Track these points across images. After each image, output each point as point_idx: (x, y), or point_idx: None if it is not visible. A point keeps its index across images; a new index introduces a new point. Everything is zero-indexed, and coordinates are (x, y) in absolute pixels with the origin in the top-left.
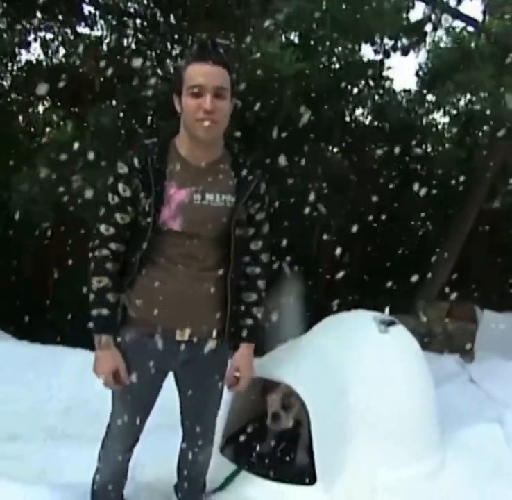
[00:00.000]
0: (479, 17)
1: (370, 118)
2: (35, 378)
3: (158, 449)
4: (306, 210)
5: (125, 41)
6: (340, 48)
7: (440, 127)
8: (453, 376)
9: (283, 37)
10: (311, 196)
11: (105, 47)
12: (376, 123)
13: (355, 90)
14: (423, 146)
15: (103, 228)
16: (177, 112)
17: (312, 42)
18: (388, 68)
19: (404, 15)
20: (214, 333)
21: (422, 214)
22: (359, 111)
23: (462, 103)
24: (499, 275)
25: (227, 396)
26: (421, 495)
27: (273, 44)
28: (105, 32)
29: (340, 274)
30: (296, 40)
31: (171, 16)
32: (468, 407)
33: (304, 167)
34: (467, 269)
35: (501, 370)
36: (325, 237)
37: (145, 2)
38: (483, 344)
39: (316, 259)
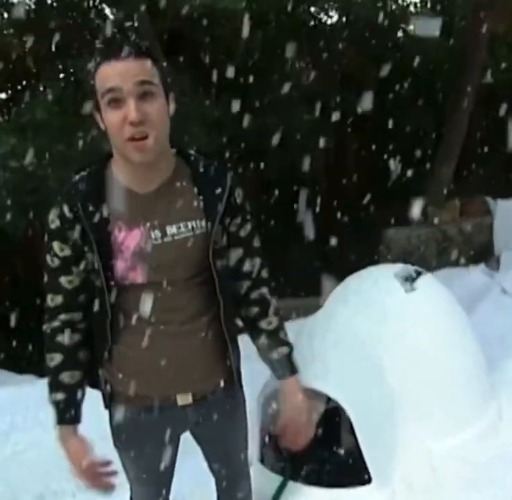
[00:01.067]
0: None
1: (335, 16)
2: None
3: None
4: (288, 138)
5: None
6: None
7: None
8: (484, 291)
9: None
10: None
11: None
12: (343, 19)
13: None
14: (400, 38)
15: (48, 298)
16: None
17: None
18: None
19: None
20: (222, 383)
21: (415, 112)
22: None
23: None
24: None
25: (251, 403)
26: (485, 455)
27: None
28: None
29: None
30: None
31: None
32: (508, 326)
33: (274, 92)
34: (473, 159)
35: None
36: (312, 161)
37: None
38: (502, 237)
39: (313, 183)
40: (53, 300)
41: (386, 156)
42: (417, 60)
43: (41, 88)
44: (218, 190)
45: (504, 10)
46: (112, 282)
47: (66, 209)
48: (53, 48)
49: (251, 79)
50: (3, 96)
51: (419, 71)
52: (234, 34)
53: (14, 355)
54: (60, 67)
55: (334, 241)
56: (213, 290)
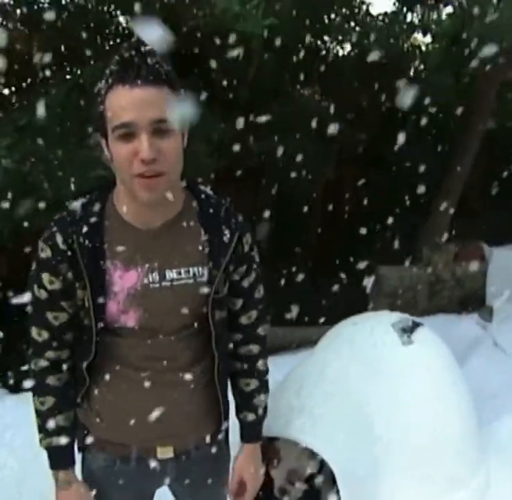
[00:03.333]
0: None
1: (348, 50)
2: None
3: None
4: (290, 165)
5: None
6: None
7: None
8: (476, 342)
9: None
10: (293, 150)
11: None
12: (355, 52)
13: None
14: (409, 74)
15: (34, 332)
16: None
17: None
18: None
19: None
20: (208, 439)
21: (417, 153)
22: (334, 45)
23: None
24: (505, 208)
25: None
26: None
27: (228, 2)
28: None
29: (335, 227)
30: None
31: None
32: (502, 386)
33: (281, 117)
34: (471, 205)
35: None
36: (312, 191)
37: None
38: (496, 284)
39: (307, 214)
40: (41, 335)
41: (386, 193)
42: (426, 100)
43: (45, 91)
44: (226, 236)
45: None
46: (102, 324)
47: (59, 239)
48: (63, 50)
49: (258, 103)
50: (6, 92)
51: (427, 110)
52: (245, 57)
53: None
54: (68, 69)
55: (326, 273)
56: (208, 342)
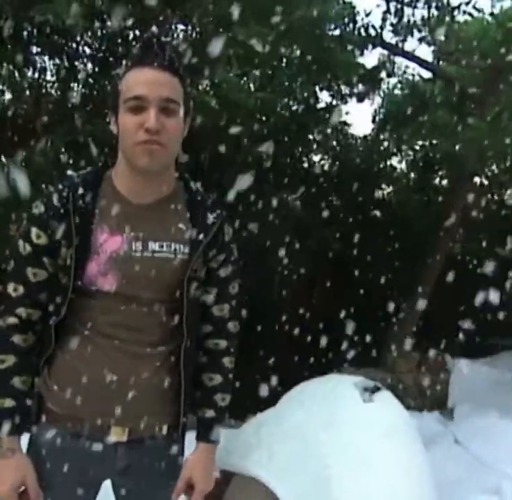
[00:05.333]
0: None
1: (328, 164)
2: None
3: None
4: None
5: (75, 86)
6: (298, 87)
7: (398, 172)
8: (437, 436)
9: (238, 70)
10: (270, 246)
11: (52, 91)
12: (334, 168)
13: (315, 134)
14: (383, 192)
15: (10, 287)
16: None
17: (272, 74)
18: (346, 113)
19: (359, 61)
20: (164, 429)
21: (386, 263)
22: (316, 157)
23: (419, 147)
24: (466, 321)
25: None
26: None
27: (228, 74)
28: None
29: (302, 328)
30: (254, 71)
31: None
32: (460, 474)
33: (263, 213)
34: (435, 317)
35: (483, 429)
36: (283, 290)
37: (96, 45)
38: (457, 394)
39: (274, 314)
40: (16, 290)
41: (355, 297)
42: (397, 217)
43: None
44: (209, 219)
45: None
46: (79, 283)
47: (55, 197)
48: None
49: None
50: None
51: (396, 227)
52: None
53: None
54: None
55: (292, 373)
56: (180, 324)
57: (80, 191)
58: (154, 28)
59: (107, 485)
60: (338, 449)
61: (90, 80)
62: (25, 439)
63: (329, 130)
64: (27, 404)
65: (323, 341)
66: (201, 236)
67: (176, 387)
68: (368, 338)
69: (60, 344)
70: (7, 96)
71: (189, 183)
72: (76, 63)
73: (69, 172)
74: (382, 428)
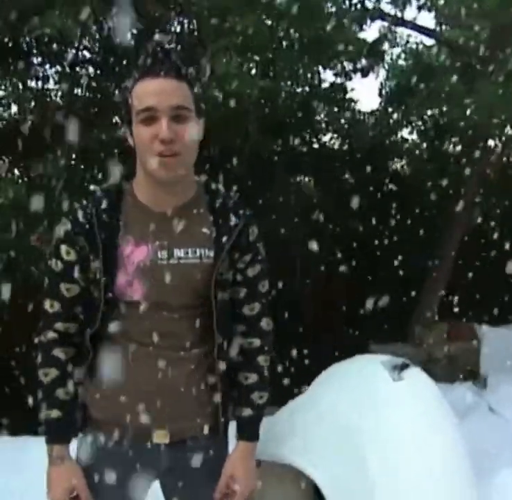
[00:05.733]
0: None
1: (338, 143)
2: None
3: None
4: (285, 246)
5: (78, 91)
6: (301, 70)
7: (409, 143)
8: (471, 407)
9: (239, 58)
10: (287, 231)
11: (57, 98)
12: (345, 147)
13: (322, 115)
14: (396, 166)
15: (47, 304)
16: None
17: (273, 60)
18: (352, 89)
19: (359, 36)
20: (206, 429)
21: (406, 237)
22: (326, 137)
23: (428, 116)
24: (492, 287)
25: None
26: None
27: (229, 65)
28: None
29: (326, 308)
30: (255, 59)
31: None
32: (498, 443)
33: (276, 200)
34: (461, 285)
35: None
36: (305, 272)
37: (96, 49)
38: (489, 362)
39: (299, 295)
40: (53, 306)
41: (377, 273)
42: (412, 189)
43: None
44: (232, 221)
45: (493, 155)
46: (110, 295)
47: (80, 214)
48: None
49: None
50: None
51: (413, 198)
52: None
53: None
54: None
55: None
56: (211, 326)
57: (104, 205)
58: (157, 36)
59: (155, 486)
60: (371, 431)
61: (93, 84)
62: (72, 445)
63: (336, 109)
64: (72, 413)
65: (349, 319)
66: (225, 239)
67: (213, 387)
68: (394, 313)
69: (98, 354)
70: (14, 108)
71: (210, 185)
72: (77, 69)
73: (93, 187)
74: (413, 407)
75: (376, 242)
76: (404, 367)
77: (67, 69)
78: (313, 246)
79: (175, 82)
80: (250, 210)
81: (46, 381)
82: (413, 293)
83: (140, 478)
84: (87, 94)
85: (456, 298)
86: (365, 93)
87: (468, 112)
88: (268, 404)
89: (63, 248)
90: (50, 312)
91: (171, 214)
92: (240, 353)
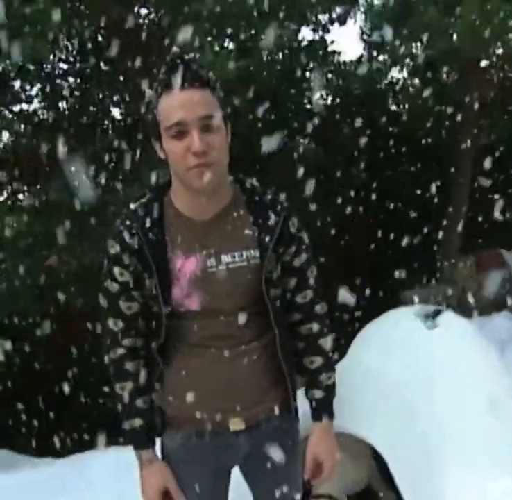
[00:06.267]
0: None
1: (330, 98)
2: None
3: None
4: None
5: (62, 104)
6: (278, 31)
7: (402, 82)
8: (510, 335)
9: (212, 44)
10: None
11: (43, 117)
12: (337, 100)
13: (307, 74)
14: (393, 108)
15: (110, 322)
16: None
17: (247, 36)
18: (332, 42)
19: None
20: (276, 410)
21: (416, 175)
22: (317, 95)
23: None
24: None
25: None
26: None
27: (204, 54)
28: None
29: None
30: (228, 44)
31: (101, 63)
32: None
33: (279, 165)
34: (479, 215)
35: None
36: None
37: (71, 59)
38: None
39: (325, 245)
40: (117, 324)
41: (396, 221)
42: (413, 128)
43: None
44: (272, 220)
45: (489, 75)
46: (169, 308)
47: (126, 235)
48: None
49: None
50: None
51: (416, 136)
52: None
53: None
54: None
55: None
56: (268, 320)
57: (148, 224)
58: (175, 49)
59: (236, 471)
60: (416, 384)
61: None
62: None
63: (318, 64)
64: (152, 419)
65: (377, 271)
66: (267, 238)
67: (278, 372)
68: (421, 257)
69: (166, 362)
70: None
71: (244, 183)
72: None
73: (132, 205)
74: (453, 352)
75: (387, 189)
76: (436, 313)
77: (47, 88)
78: (322, 201)
79: (199, 91)
80: (285, 202)
81: (124, 394)
82: (435, 232)
83: (223, 467)
84: (75, 105)
85: (477, 228)
86: (348, 43)
87: (455, 37)
88: None
89: (116, 270)
90: (116, 329)
91: (213, 221)
92: (301, 339)
